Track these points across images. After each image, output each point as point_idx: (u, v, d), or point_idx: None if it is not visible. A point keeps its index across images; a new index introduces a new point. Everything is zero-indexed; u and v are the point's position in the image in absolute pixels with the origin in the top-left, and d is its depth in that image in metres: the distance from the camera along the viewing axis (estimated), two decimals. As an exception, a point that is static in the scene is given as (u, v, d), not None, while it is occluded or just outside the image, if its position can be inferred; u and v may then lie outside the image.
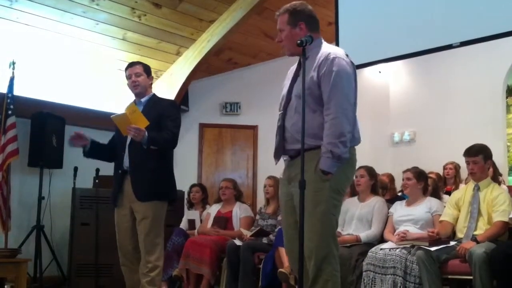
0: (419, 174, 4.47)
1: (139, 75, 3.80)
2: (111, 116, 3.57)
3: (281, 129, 2.95)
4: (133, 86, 3.81)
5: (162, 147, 3.66)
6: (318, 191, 2.76)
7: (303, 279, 2.78)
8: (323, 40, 3.01)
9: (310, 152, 2.79)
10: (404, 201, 4.59)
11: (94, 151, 3.80)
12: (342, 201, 2.95)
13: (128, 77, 3.83)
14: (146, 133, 3.47)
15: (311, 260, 2.79)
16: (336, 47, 2.97)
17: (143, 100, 3.84)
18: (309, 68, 2.85)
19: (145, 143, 3.50)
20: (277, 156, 3.01)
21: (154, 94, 3.93)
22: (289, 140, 2.91)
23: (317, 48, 2.92)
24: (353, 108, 2.85)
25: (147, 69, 3.88)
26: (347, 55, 2.89)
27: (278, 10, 3.01)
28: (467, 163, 4.18)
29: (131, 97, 3.97)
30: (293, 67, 3.06)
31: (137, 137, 3.46)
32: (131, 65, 3.88)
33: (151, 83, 3.94)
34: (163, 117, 3.71)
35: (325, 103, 2.79)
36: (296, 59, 3.03)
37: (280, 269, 4.55)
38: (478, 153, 4.13)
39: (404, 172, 4.56)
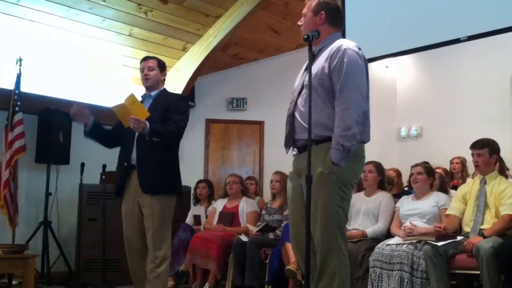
0: (429, 170, 4.48)
1: (152, 69, 3.82)
2: (111, 107, 3.55)
3: (291, 118, 2.96)
4: (144, 79, 3.82)
5: (165, 139, 3.61)
6: (325, 184, 2.76)
7: (312, 273, 2.78)
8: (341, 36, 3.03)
9: (318, 146, 2.80)
10: (411, 196, 4.58)
11: (95, 132, 3.76)
12: (350, 195, 2.93)
13: (141, 71, 3.85)
14: (148, 124, 3.43)
15: (317, 253, 2.79)
16: (350, 40, 2.96)
17: (152, 94, 3.83)
18: (322, 59, 2.88)
19: (147, 134, 3.47)
20: (287, 145, 3.02)
21: (164, 89, 3.91)
22: (298, 129, 2.91)
23: (333, 41, 2.94)
24: (366, 100, 2.84)
25: (161, 64, 3.89)
26: (359, 48, 2.89)
27: None
28: (472, 155, 4.18)
29: (140, 93, 3.95)
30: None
31: (137, 128, 3.42)
32: (145, 59, 3.90)
33: (164, 79, 3.94)
34: (170, 110, 3.68)
35: (336, 94, 2.79)
36: (303, 55, 3.03)
37: (287, 267, 4.55)
38: (484, 146, 4.11)
39: (413, 166, 4.55)
